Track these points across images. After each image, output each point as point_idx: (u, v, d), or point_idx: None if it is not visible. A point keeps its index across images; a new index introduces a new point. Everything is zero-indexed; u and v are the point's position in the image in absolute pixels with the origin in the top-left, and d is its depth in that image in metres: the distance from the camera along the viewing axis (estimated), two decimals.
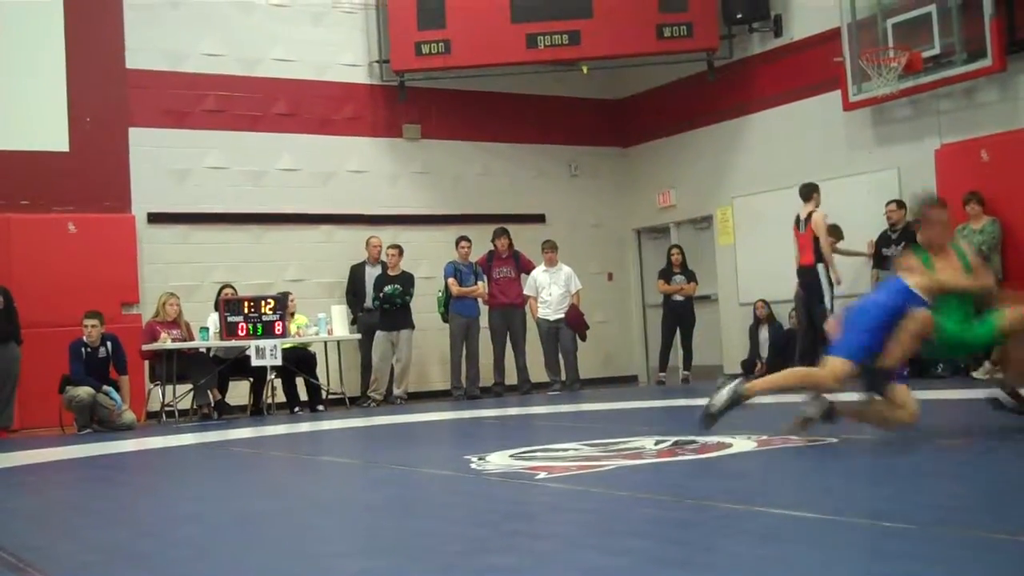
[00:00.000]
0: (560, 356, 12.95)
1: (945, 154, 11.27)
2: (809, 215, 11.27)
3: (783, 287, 11.91)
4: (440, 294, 12.76)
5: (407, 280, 12.43)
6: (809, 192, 11.38)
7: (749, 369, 12.98)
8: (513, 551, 3.22)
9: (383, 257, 12.64)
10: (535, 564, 3.02)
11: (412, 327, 12.41)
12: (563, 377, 12.91)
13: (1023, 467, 4.63)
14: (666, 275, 13.59)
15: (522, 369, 12.89)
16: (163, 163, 12.42)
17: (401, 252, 12.55)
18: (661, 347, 13.56)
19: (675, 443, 5.86)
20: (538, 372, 13.04)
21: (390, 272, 12.44)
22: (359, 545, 3.59)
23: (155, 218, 12.35)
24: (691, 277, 13.53)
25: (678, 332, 13.47)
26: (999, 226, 10.62)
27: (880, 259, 11.66)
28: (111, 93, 12.23)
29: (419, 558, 3.24)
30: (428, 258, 13.26)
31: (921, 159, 11.45)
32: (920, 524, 3.24)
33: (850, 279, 11.95)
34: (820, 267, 11.17)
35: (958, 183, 10.92)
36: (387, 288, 12.25)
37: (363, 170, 13.60)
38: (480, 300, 12.78)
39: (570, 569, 2.89)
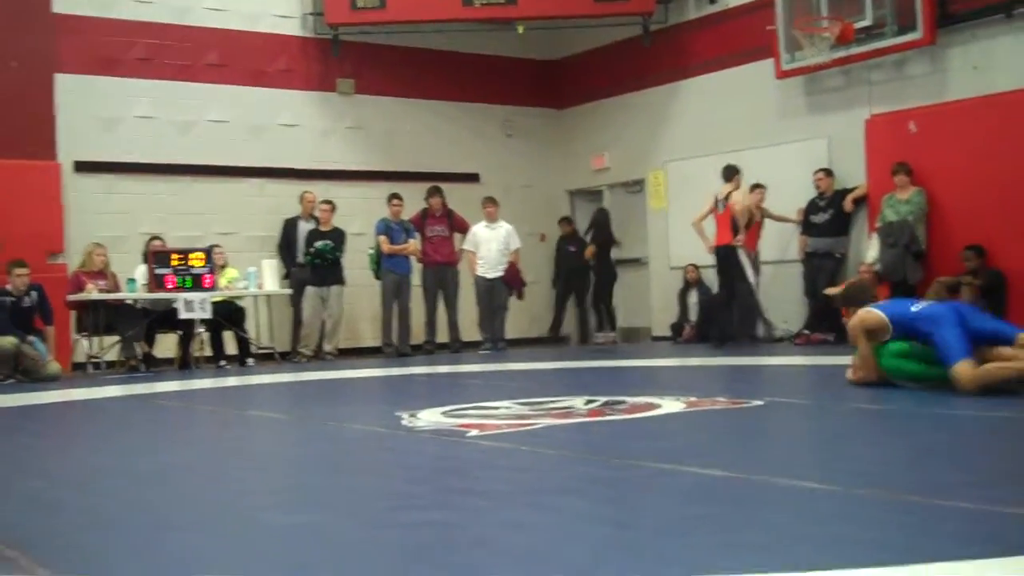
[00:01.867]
0: (492, 313, 13.00)
1: (875, 124, 11.43)
2: (728, 195, 11.47)
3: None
4: (372, 251, 12.70)
5: (339, 236, 12.36)
6: (731, 174, 11.63)
7: (677, 332, 13.13)
8: (444, 507, 3.24)
9: (316, 212, 12.54)
10: (466, 520, 3.04)
11: (343, 283, 12.36)
12: (498, 334, 12.97)
13: (938, 434, 4.75)
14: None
15: (453, 327, 12.91)
16: (91, 111, 12.16)
17: (333, 208, 12.46)
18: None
19: (605, 403, 5.92)
20: (469, 331, 13.07)
21: (322, 228, 12.35)
22: (288, 500, 3.59)
23: (82, 167, 12.10)
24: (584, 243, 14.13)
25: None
26: (925, 197, 10.81)
27: (808, 226, 11.83)
28: (37, 38, 11.93)
29: (350, 513, 3.25)
30: (360, 215, 13.18)
31: (851, 129, 11.60)
32: (843, 486, 3.32)
33: (780, 246, 12.14)
34: (739, 248, 11.39)
35: (887, 153, 11.10)
36: (318, 244, 12.17)
37: (295, 124, 13.43)
38: (413, 258, 12.75)
39: (501, 525, 2.92)
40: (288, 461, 4.71)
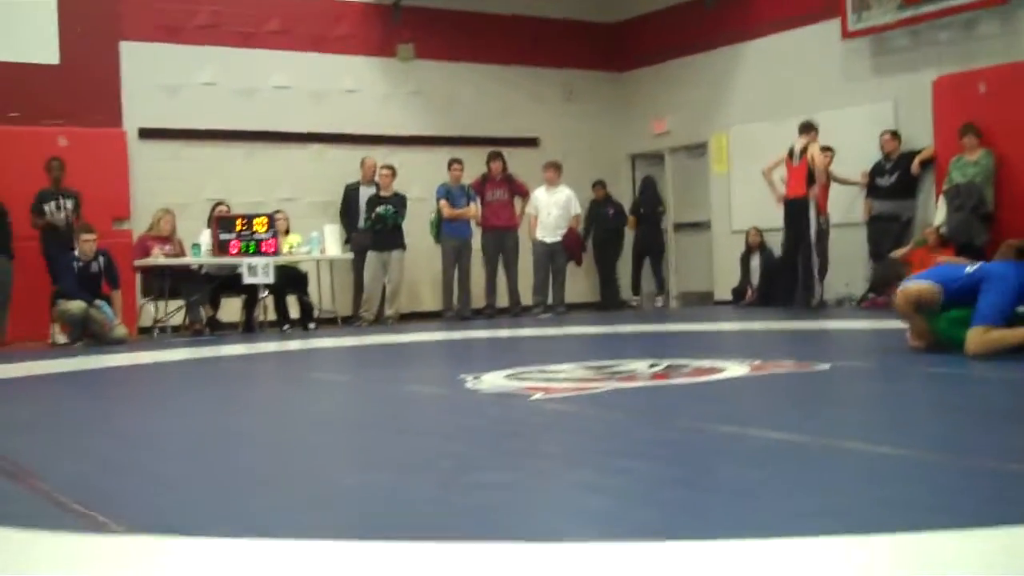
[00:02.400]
0: (551, 278, 13.00)
1: (942, 85, 11.21)
2: (805, 148, 11.27)
3: (776, 216, 11.91)
4: (432, 216, 12.72)
5: (400, 201, 12.39)
6: (808, 128, 11.40)
7: (739, 296, 13.05)
8: (510, 468, 3.25)
9: (376, 178, 12.57)
10: (533, 481, 3.05)
11: (404, 248, 12.40)
12: (551, 300, 12.97)
13: (1010, 398, 4.67)
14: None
15: (514, 292, 12.93)
16: (155, 78, 12.29)
17: (394, 173, 12.48)
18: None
19: (668, 367, 5.90)
20: (529, 295, 13.08)
21: (383, 193, 12.39)
22: (356, 460, 3.62)
23: (146, 134, 12.24)
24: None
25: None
26: (993, 158, 10.61)
27: (874, 188, 11.67)
28: (102, 6, 12.05)
29: (417, 473, 3.27)
30: (420, 180, 13.19)
31: (918, 90, 11.39)
32: (913, 450, 3.28)
33: (844, 208, 11.98)
34: (812, 202, 11.22)
35: (955, 115, 10.90)
36: (379, 208, 12.21)
37: (356, 89, 13.47)
38: (473, 222, 12.76)
39: (570, 486, 2.92)
40: (353, 423, 4.75)
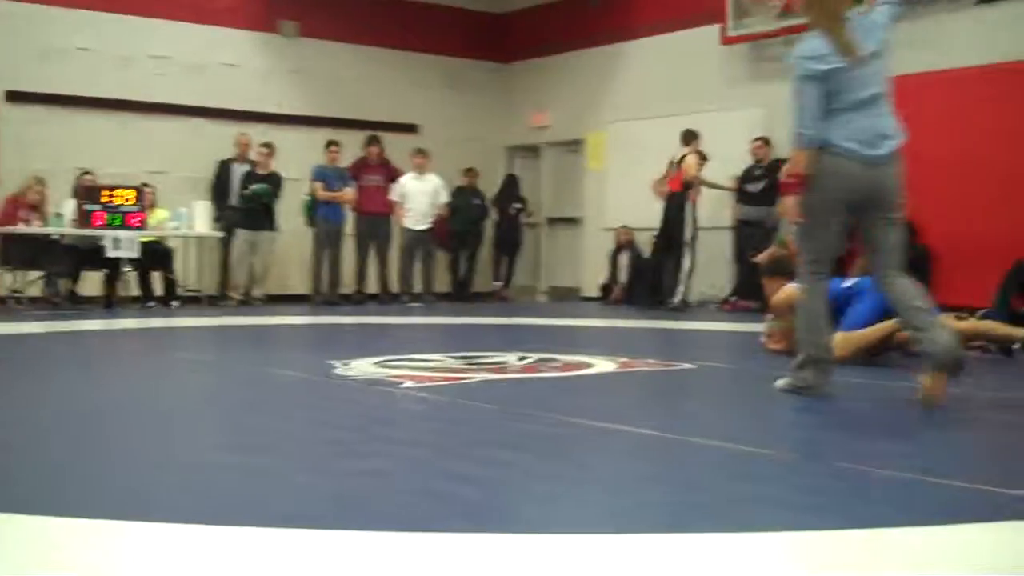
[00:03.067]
0: (419, 267, 12.98)
1: None
2: (682, 158, 11.50)
3: (647, 215, 12.10)
4: (306, 197, 12.57)
5: (276, 180, 12.18)
6: (689, 138, 11.61)
7: (607, 293, 13.23)
8: (384, 456, 3.24)
9: (252, 155, 12.36)
10: (407, 469, 3.05)
11: (275, 229, 12.21)
12: (418, 289, 12.95)
13: (865, 403, 4.85)
14: None
15: (384, 279, 12.86)
16: (27, 40, 11.85)
17: (272, 151, 12.27)
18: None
19: (538, 360, 5.95)
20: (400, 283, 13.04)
21: (259, 171, 12.17)
22: (229, 443, 3.56)
23: (15, 96, 11.81)
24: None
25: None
26: None
27: (743, 194, 11.94)
28: None
29: (292, 458, 3.25)
30: (296, 160, 12.98)
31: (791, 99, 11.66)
32: (776, 450, 3.38)
33: (711, 212, 12.22)
34: (687, 202, 11.43)
35: None
36: (255, 186, 11.98)
37: (236, 64, 13.22)
38: (347, 206, 12.65)
39: (446, 477, 2.93)
40: (223, 405, 4.67)
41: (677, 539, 2.24)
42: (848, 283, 6.20)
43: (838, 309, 6.02)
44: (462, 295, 13.76)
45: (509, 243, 14.39)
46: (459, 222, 13.69)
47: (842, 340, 5.74)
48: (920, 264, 10.19)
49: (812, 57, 4.46)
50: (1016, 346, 6.16)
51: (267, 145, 12.25)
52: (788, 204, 4.64)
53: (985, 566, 2.11)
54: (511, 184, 14.57)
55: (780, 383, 4.69)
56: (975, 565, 2.13)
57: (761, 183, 11.78)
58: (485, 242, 14.28)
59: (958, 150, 10.19)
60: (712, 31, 12.38)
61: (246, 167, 12.28)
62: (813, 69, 4.43)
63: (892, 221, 4.49)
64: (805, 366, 4.57)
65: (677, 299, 11.44)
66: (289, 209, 12.52)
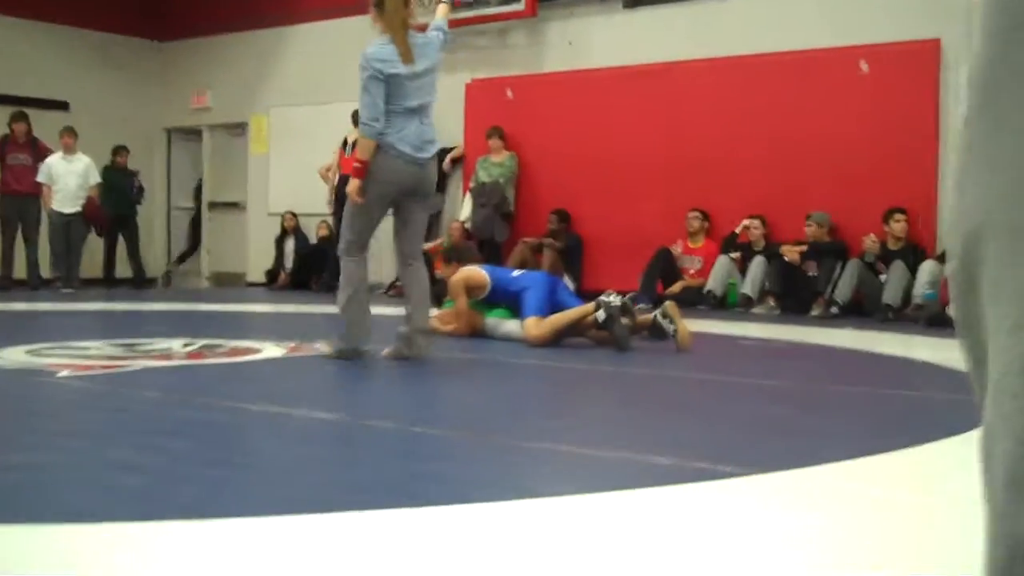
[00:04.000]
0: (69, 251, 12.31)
1: (474, 88, 11.88)
2: (356, 140, 11.50)
3: (313, 200, 12.07)
4: None
5: None
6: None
7: (273, 278, 13.08)
8: (42, 448, 3.09)
9: None
10: (69, 461, 2.93)
11: None
12: (69, 274, 12.29)
13: (529, 382, 5.10)
14: None
15: (33, 264, 12.10)
16: None
17: None
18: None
19: (203, 346, 5.84)
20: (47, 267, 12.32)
21: None
22: None
23: None
24: None
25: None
26: (517, 161, 11.40)
27: None
28: None
29: None
30: None
31: (452, 91, 11.96)
32: (444, 429, 3.50)
33: None
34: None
35: (484, 117, 11.58)
36: None
37: None
38: None
39: (108, 466, 2.83)
40: None
41: (346, 518, 2.29)
42: (517, 274, 6.69)
43: (504, 296, 6.40)
44: (135, 280, 13.11)
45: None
46: (115, 204, 12.98)
47: (536, 327, 6.06)
48: (573, 251, 10.78)
49: (382, 60, 5.12)
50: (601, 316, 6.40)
51: None
52: (352, 187, 5.18)
53: (634, 531, 2.29)
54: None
55: (326, 350, 5.35)
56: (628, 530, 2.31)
57: None
58: (143, 224, 13.67)
59: (603, 148, 10.81)
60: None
61: None
62: (379, 71, 5.09)
63: (424, 209, 5.42)
64: (351, 333, 5.23)
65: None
66: None
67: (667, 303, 6.22)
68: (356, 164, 5.21)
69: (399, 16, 5.18)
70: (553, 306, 6.27)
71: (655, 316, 6.15)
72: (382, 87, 5.11)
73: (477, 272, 6.57)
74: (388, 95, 5.12)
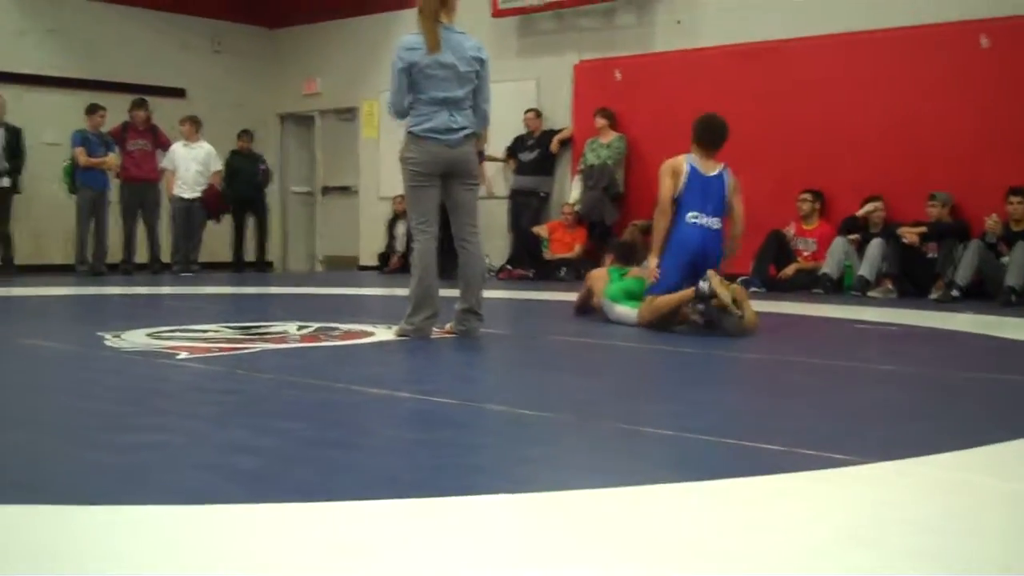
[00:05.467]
0: (188, 235, 12.62)
1: (582, 69, 11.83)
2: None
3: None
4: (66, 163, 12.00)
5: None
6: None
7: (384, 262, 13.23)
8: (161, 429, 3.17)
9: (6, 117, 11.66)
10: (186, 442, 3.00)
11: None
12: (192, 257, 12.60)
13: (637, 368, 5.06)
14: None
15: (154, 247, 12.44)
16: None
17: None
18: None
19: (318, 329, 5.92)
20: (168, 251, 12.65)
21: None
22: (2, 418, 3.41)
23: None
24: None
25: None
26: (625, 142, 11.33)
27: (517, 165, 12.14)
28: None
29: (60, 433, 3.14)
30: (54, 124, 12.40)
31: (560, 72, 11.96)
32: (555, 412, 3.50)
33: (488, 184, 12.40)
34: None
35: (592, 99, 11.53)
36: None
37: None
38: (111, 173, 12.16)
39: (225, 447, 2.89)
40: None
41: (459, 502, 2.30)
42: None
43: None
44: (256, 264, 13.39)
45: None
46: (240, 188, 13.26)
47: (647, 307, 6.04)
48: None
49: (406, 48, 5.40)
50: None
51: None
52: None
53: (748, 519, 2.26)
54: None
55: (395, 329, 5.50)
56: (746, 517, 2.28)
57: (533, 153, 12.02)
58: (271, 208, 13.95)
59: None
60: (483, 3, 12.49)
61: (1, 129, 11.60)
62: (401, 59, 5.39)
63: (469, 191, 5.56)
64: (416, 313, 5.42)
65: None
66: (50, 175, 11.95)
67: (734, 285, 5.98)
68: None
69: (432, 5, 5.40)
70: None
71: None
72: (405, 77, 5.40)
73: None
74: (415, 84, 5.40)
